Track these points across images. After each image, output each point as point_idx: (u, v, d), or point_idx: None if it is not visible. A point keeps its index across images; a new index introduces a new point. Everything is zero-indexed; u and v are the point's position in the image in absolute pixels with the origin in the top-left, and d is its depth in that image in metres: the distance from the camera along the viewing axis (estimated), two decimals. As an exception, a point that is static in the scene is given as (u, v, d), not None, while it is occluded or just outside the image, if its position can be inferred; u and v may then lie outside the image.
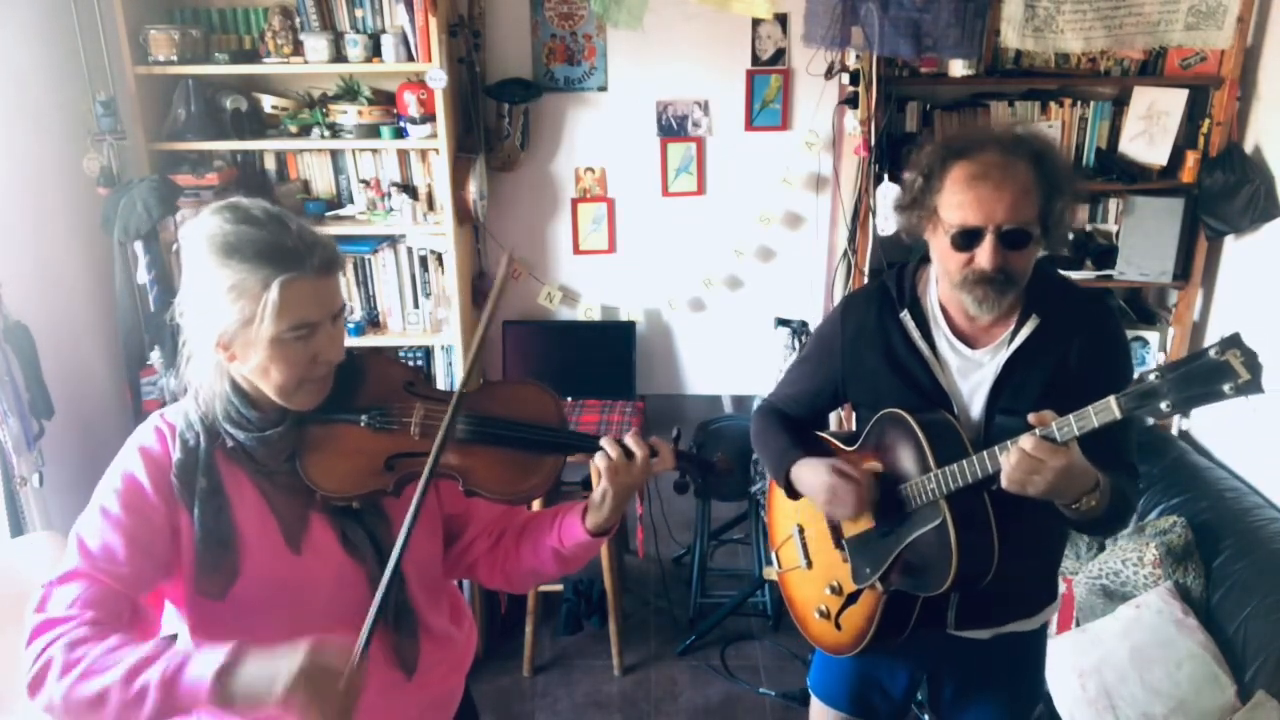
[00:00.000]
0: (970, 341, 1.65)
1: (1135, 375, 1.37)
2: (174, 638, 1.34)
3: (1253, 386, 1.24)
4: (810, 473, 1.71)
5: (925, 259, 1.70)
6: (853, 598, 1.76)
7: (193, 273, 1.25)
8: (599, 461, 1.36)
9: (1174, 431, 3.08)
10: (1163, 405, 1.30)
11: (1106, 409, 1.35)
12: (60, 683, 1.11)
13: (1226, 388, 1.25)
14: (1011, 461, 1.41)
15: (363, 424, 1.35)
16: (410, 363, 3.14)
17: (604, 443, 1.36)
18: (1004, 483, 1.43)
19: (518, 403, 1.42)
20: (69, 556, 1.23)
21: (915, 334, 1.66)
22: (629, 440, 1.37)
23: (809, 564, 1.87)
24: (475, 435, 1.36)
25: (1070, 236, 3.03)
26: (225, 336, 1.24)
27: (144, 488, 1.27)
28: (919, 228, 1.62)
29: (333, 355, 1.29)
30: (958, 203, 1.52)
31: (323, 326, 1.27)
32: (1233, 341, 1.26)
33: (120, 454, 1.31)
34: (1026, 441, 1.40)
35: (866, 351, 1.71)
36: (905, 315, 1.67)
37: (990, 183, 1.50)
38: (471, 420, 1.36)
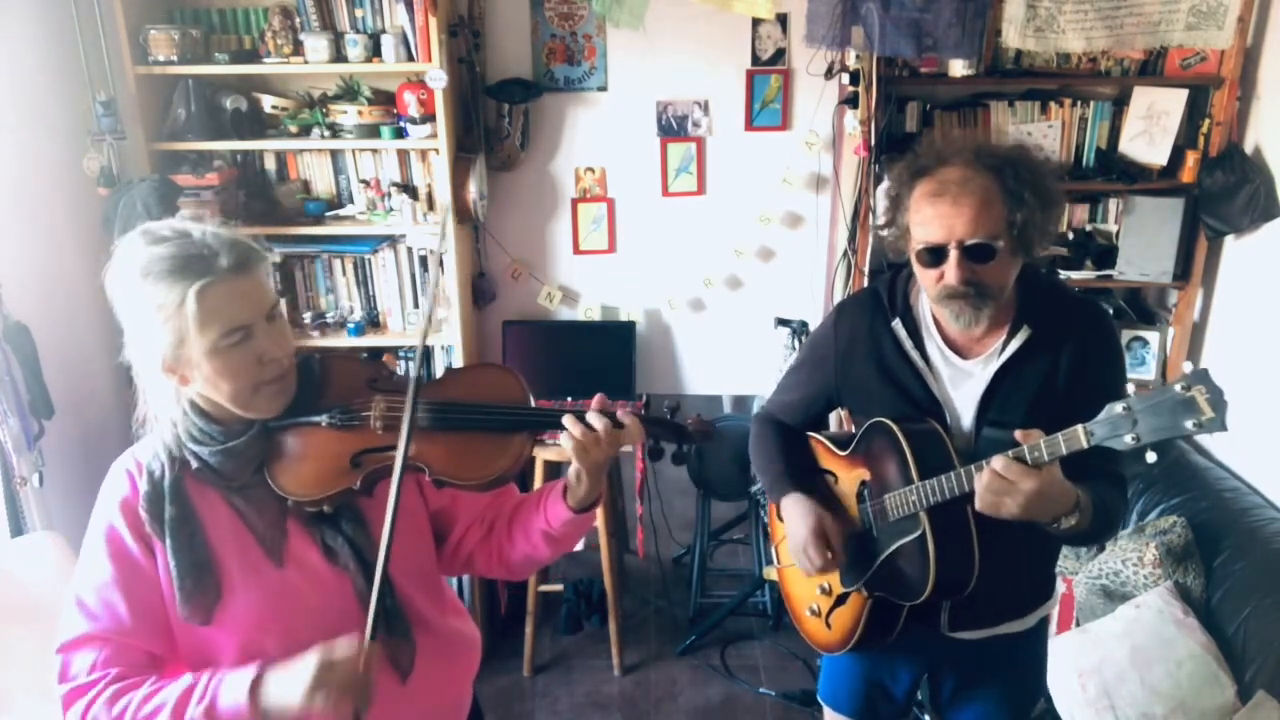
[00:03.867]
0: (962, 352, 1.65)
1: (1125, 382, 1.38)
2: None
3: (1216, 425, 1.24)
4: (797, 515, 1.73)
5: None
6: (841, 599, 1.78)
7: (121, 304, 1.26)
8: (564, 442, 1.34)
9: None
10: (1128, 437, 1.31)
11: (1074, 438, 1.36)
12: None
13: (1189, 424, 1.26)
14: (983, 482, 1.42)
15: (324, 424, 1.33)
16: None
17: (565, 421, 1.33)
18: (977, 504, 1.44)
19: (478, 385, 1.39)
20: (73, 620, 1.26)
21: (907, 343, 1.66)
22: (590, 417, 1.34)
23: None
24: (436, 421, 1.33)
25: (1063, 240, 3.03)
26: (167, 360, 1.24)
27: (123, 538, 1.28)
28: (898, 245, 1.64)
29: (277, 353, 1.27)
30: (920, 220, 1.54)
31: (258, 327, 1.25)
32: (1200, 377, 1.27)
33: (97, 503, 1.31)
34: (998, 462, 1.41)
35: (859, 360, 1.72)
36: (897, 324, 1.68)
37: (948, 199, 1.50)
38: (431, 406, 1.33)
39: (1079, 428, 1.36)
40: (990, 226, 1.50)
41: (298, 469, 1.31)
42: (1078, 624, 2.55)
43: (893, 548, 1.63)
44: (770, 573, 2.03)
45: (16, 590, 2.20)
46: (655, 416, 1.43)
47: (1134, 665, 2.30)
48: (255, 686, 1.18)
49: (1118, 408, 1.32)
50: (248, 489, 1.31)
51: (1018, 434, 1.42)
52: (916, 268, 1.59)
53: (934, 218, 1.51)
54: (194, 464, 1.29)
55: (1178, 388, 1.27)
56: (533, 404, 1.40)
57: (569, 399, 3.34)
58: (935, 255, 1.53)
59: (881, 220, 1.67)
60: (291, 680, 1.17)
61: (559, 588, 3.32)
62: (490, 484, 1.34)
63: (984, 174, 1.51)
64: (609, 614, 3.17)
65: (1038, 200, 1.53)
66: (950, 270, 1.51)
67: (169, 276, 1.20)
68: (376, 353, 3.16)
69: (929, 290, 1.58)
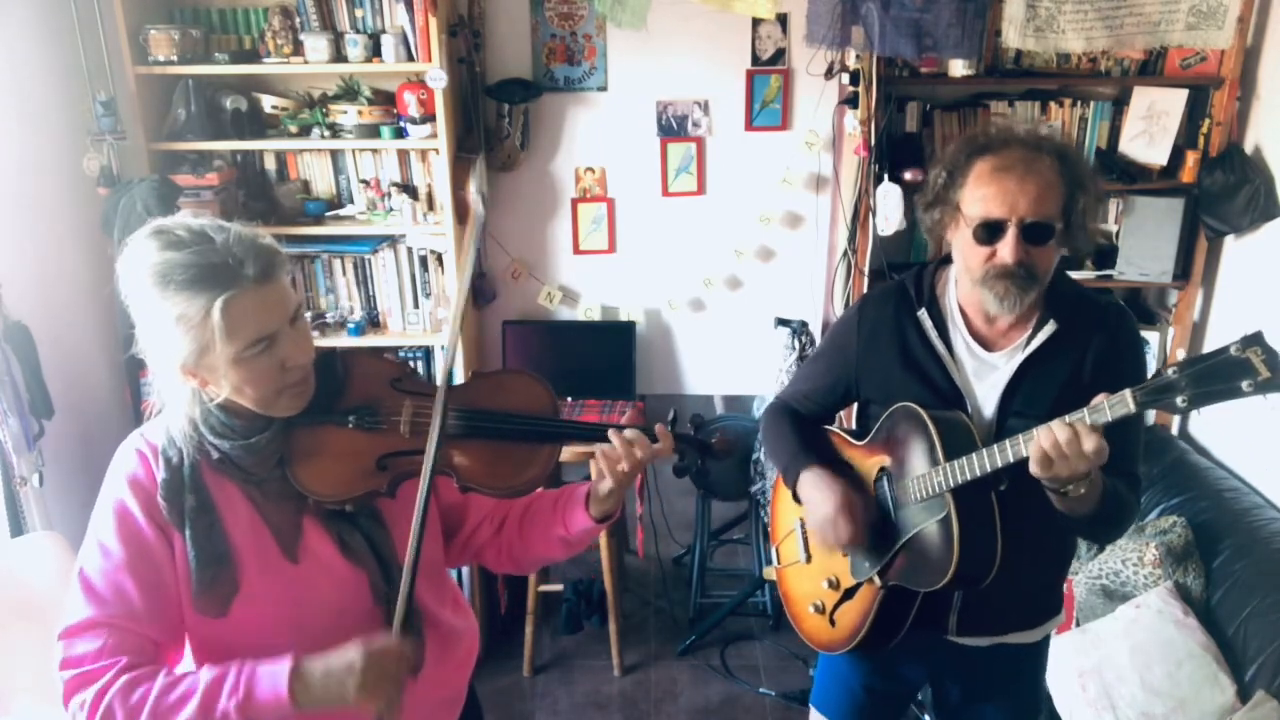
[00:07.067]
0: (987, 344, 1.65)
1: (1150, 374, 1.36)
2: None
3: (1273, 385, 1.23)
4: (817, 490, 1.70)
5: (944, 260, 1.71)
6: (849, 593, 1.76)
7: (137, 309, 1.21)
8: (601, 455, 1.35)
9: (1174, 431, 3.08)
10: (1178, 400, 1.29)
11: (1122, 402, 1.34)
12: None
13: (1245, 385, 1.24)
14: (1044, 443, 1.38)
15: (350, 425, 1.32)
16: (403, 359, 3.14)
17: (610, 434, 1.35)
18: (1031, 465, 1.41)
19: (508, 393, 1.39)
20: (78, 603, 1.21)
21: (932, 333, 1.66)
22: (630, 432, 1.35)
23: (808, 558, 1.86)
24: (467, 430, 1.32)
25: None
26: (188, 366, 1.21)
27: (136, 519, 1.24)
28: (941, 225, 1.62)
29: (300, 358, 1.25)
30: (981, 195, 1.53)
31: (282, 333, 1.22)
32: (1254, 339, 1.25)
33: (106, 483, 1.28)
34: (1048, 437, 1.37)
35: (882, 349, 1.71)
36: (923, 314, 1.67)
37: (1015, 175, 1.50)
38: (462, 414, 1.33)
39: (1126, 391, 1.33)
40: (1051, 208, 1.51)
41: (322, 469, 1.29)
42: (1078, 624, 2.55)
43: (914, 531, 1.61)
44: (770, 573, 2.02)
45: (16, 590, 2.20)
46: (683, 434, 1.44)
47: (1134, 665, 2.30)
48: (294, 679, 1.14)
49: (1168, 371, 1.31)
50: (266, 483, 1.30)
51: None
52: (966, 246, 1.57)
53: (997, 193, 1.51)
54: (214, 454, 1.28)
55: (1232, 350, 1.26)
56: (560, 414, 1.41)
57: (569, 399, 3.34)
58: (991, 231, 1.52)
59: (929, 199, 1.64)
60: (337, 673, 1.15)
61: (559, 588, 3.32)
62: (517, 492, 1.35)
63: (1049, 156, 1.52)
64: (609, 614, 3.17)
65: (1094, 189, 1.55)
66: (1006, 247, 1.51)
67: (191, 287, 1.15)
68: (377, 354, 3.16)
69: (974, 270, 1.56)
